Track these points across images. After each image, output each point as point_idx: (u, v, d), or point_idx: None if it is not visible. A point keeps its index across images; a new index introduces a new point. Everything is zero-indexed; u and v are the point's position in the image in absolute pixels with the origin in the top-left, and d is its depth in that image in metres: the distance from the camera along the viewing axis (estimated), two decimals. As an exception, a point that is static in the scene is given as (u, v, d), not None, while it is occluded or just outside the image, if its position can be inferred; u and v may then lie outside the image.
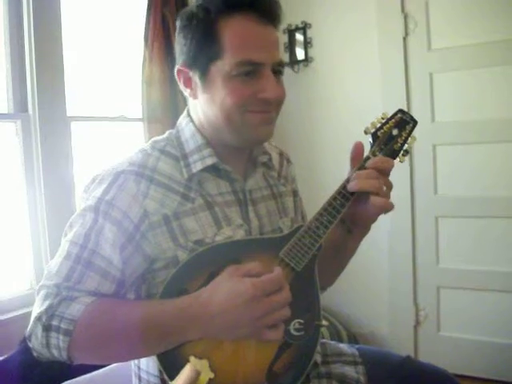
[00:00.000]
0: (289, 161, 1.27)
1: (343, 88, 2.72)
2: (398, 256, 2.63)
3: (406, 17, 2.51)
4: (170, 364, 0.90)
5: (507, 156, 2.37)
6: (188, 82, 1.04)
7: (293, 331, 0.96)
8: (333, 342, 1.28)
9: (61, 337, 0.87)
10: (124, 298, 1.00)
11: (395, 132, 1.05)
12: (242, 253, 0.97)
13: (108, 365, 1.32)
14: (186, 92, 1.06)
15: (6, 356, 1.50)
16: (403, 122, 1.06)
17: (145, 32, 2.42)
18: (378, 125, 1.06)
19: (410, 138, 1.06)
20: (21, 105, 2.06)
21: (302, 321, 0.97)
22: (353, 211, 1.04)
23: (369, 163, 1.01)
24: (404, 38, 2.52)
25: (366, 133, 1.06)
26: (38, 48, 2.03)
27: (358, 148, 1.05)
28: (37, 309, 0.90)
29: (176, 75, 1.06)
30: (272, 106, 1.01)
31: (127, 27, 2.55)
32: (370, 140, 1.06)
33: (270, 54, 1.00)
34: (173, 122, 1.18)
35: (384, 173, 1.00)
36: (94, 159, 2.36)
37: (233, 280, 0.88)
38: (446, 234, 2.54)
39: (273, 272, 0.89)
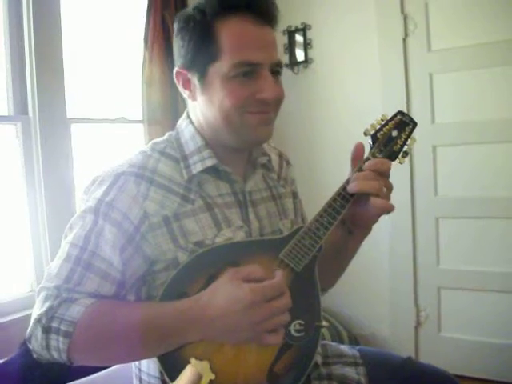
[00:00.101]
0: (288, 162, 1.27)
1: (343, 89, 2.72)
2: (399, 257, 2.63)
3: (405, 18, 2.52)
4: (171, 365, 0.90)
5: (507, 156, 2.37)
6: (187, 84, 1.04)
7: (293, 332, 0.96)
8: (333, 344, 1.28)
9: (61, 339, 0.87)
10: (124, 299, 1.00)
11: (395, 133, 1.06)
12: (242, 254, 0.97)
13: (109, 367, 1.32)
14: (185, 94, 1.06)
15: (6, 358, 1.50)
16: (403, 123, 1.06)
17: (145, 33, 2.43)
18: (378, 126, 1.06)
19: (409, 140, 1.06)
20: (21, 107, 2.06)
21: (302, 322, 0.97)
22: (353, 212, 1.04)
23: (366, 165, 1.01)
24: (404, 39, 2.53)
25: (365, 134, 1.06)
26: (38, 50, 2.04)
27: (358, 149, 1.05)
28: (37, 311, 0.90)
29: (175, 77, 1.06)
30: (270, 107, 1.02)
31: (127, 29, 2.55)
32: (370, 141, 1.06)
33: (268, 55, 1.00)
34: (173, 124, 1.18)
35: (382, 174, 1.00)
36: (94, 161, 2.36)
37: (232, 284, 0.88)
38: (446, 234, 2.54)
39: (274, 276, 0.89)
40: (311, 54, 2.79)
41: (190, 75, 1.03)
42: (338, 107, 2.73)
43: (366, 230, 1.09)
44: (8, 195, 2.05)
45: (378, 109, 2.46)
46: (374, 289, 2.72)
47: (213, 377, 0.90)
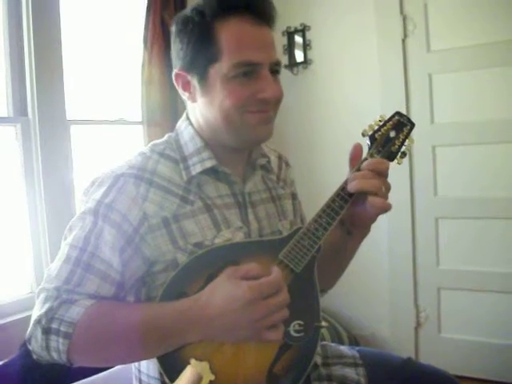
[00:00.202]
0: (287, 164, 1.28)
1: (342, 90, 2.72)
2: (398, 257, 2.63)
3: (404, 18, 2.52)
4: (171, 366, 0.91)
5: (507, 157, 2.37)
6: (186, 86, 1.05)
7: (292, 333, 0.96)
8: (333, 344, 1.28)
9: (60, 340, 0.87)
10: (124, 300, 1.00)
11: (393, 134, 1.06)
12: (241, 255, 0.97)
13: (108, 368, 1.32)
14: (185, 96, 1.07)
15: (6, 360, 1.50)
16: (401, 124, 1.07)
17: (144, 34, 2.43)
18: (376, 127, 1.06)
19: (407, 140, 1.06)
20: (20, 108, 2.07)
21: (301, 322, 0.97)
22: (351, 213, 1.04)
23: (365, 165, 1.01)
24: (403, 40, 2.53)
25: (363, 135, 1.07)
26: (38, 51, 2.04)
27: (356, 149, 1.06)
28: (37, 312, 0.91)
29: (174, 79, 1.06)
30: (270, 106, 1.02)
31: (126, 30, 2.56)
32: (368, 142, 1.06)
33: (268, 54, 1.00)
34: (172, 125, 1.19)
35: (381, 174, 1.01)
36: (93, 162, 2.36)
37: (230, 283, 0.88)
38: (446, 235, 2.54)
39: (271, 273, 0.89)
40: (310, 54, 2.79)
41: (189, 77, 1.03)
42: (337, 108, 2.74)
43: (364, 230, 1.10)
44: (8, 197, 2.05)
45: (378, 109, 2.46)
46: (374, 289, 2.72)
47: (212, 377, 0.90)
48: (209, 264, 0.95)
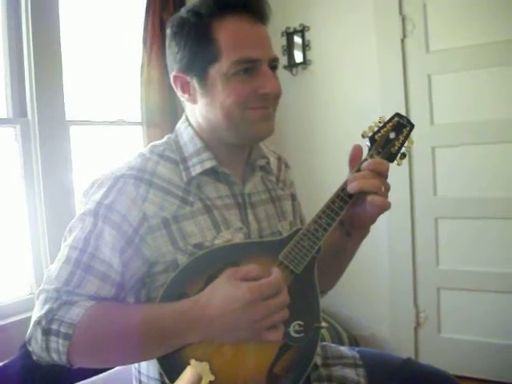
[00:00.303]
0: (287, 165, 1.28)
1: (342, 90, 2.72)
2: (398, 257, 2.63)
3: (403, 19, 2.52)
4: (171, 367, 0.91)
5: (506, 157, 2.37)
6: (186, 88, 1.05)
7: (292, 333, 0.96)
8: (333, 345, 1.28)
9: (60, 341, 0.87)
10: (124, 301, 1.00)
11: (392, 135, 1.06)
12: (241, 256, 0.97)
13: (108, 369, 1.32)
14: (184, 97, 1.06)
15: (6, 361, 1.50)
16: (400, 125, 1.07)
17: (143, 35, 2.43)
18: (376, 128, 1.07)
19: (407, 142, 1.07)
20: (20, 109, 2.07)
21: (301, 323, 0.97)
22: (351, 213, 1.04)
23: (364, 165, 1.02)
24: (402, 40, 2.53)
25: (363, 136, 1.07)
26: (37, 52, 2.04)
27: (356, 151, 1.06)
28: (36, 313, 0.91)
29: (172, 82, 1.06)
30: (269, 102, 1.02)
31: (125, 31, 2.56)
32: (368, 144, 1.06)
33: (266, 51, 1.01)
34: (172, 126, 1.19)
35: (381, 174, 1.01)
36: (93, 163, 2.36)
37: (230, 284, 0.88)
38: (445, 235, 2.54)
39: (271, 274, 0.90)
40: (310, 55, 2.79)
41: (188, 78, 1.03)
42: (336, 108, 2.74)
43: (363, 231, 1.10)
44: (7, 198, 2.05)
45: (377, 110, 2.46)
46: (374, 289, 2.72)
47: (212, 378, 0.90)
48: (209, 265, 0.95)
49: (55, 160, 2.10)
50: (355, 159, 1.05)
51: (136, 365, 1.07)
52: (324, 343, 1.26)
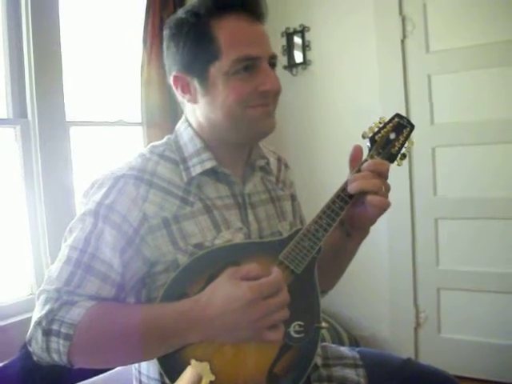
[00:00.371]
0: (287, 166, 1.28)
1: (342, 91, 2.72)
2: (398, 258, 2.64)
3: (403, 19, 2.52)
4: (171, 367, 0.91)
5: (506, 157, 2.37)
6: (186, 88, 1.05)
7: (293, 333, 0.96)
8: (333, 345, 1.28)
9: (61, 341, 0.87)
10: (124, 301, 1.00)
11: (392, 136, 1.06)
12: (242, 256, 0.97)
13: (109, 369, 1.32)
14: (185, 98, 1.06)
15: (6, 361, 1.50)
16: (400, 126, 1.07)
17: (143, 35, 2.43)
18: (376, 129, 1.07)
19: (407, 142, 1.07)
20: (20, 110, 2.07)
21: (301, 323, 0.97)
22: (351, 214, 1.04)
23: (365, 166, 1.02)
24: (402, 41, 2.53)
25: (363, 137, 1.07)
26: (37, 52, 2.04)
27: (356, 151, 1.06)
28: (37, 313, 0.91)
29: (172, 83, 1.06)
30: (270, 99, 1.03)
31: (125, 31, 2.56)
32: (368, 144, 1.07)
33: (265, 48, 1.02)
34: (172, 126, 1.19)
35: (381, 175, 1.01)
36: (93, 164, 2.36)
37: (231, 283, 0.88)
38: (445, 235, 2.54)
39: (271, 274, 0.90)
40: (310, 55, 2.79)
41: (188, 78, 1.03)
42: (336, 109, 2.74)
43: (363, 232, 1.10)
44: (7, 198, 2.05)
45: (377, 110, 2.46)
46: (374, 290, 2.72)
47: (213, 378, 0.90)
48: (209, 265, 0.95)
49: (55, 160, 2.10)
50: (355, 160, 1.05)
51: (136, 365, 1.07)
52: (324, 344, 1.26)
